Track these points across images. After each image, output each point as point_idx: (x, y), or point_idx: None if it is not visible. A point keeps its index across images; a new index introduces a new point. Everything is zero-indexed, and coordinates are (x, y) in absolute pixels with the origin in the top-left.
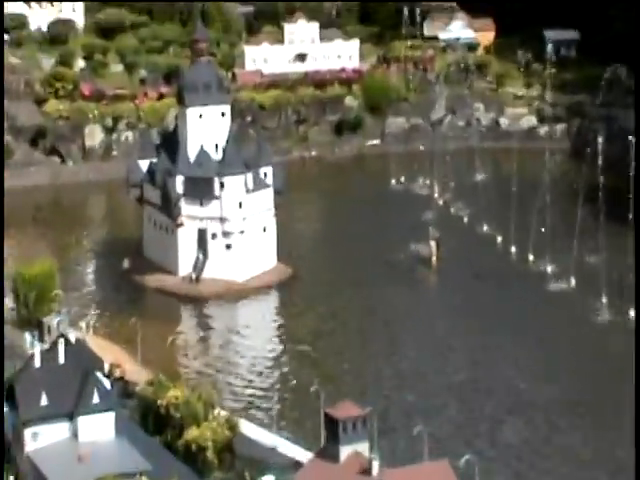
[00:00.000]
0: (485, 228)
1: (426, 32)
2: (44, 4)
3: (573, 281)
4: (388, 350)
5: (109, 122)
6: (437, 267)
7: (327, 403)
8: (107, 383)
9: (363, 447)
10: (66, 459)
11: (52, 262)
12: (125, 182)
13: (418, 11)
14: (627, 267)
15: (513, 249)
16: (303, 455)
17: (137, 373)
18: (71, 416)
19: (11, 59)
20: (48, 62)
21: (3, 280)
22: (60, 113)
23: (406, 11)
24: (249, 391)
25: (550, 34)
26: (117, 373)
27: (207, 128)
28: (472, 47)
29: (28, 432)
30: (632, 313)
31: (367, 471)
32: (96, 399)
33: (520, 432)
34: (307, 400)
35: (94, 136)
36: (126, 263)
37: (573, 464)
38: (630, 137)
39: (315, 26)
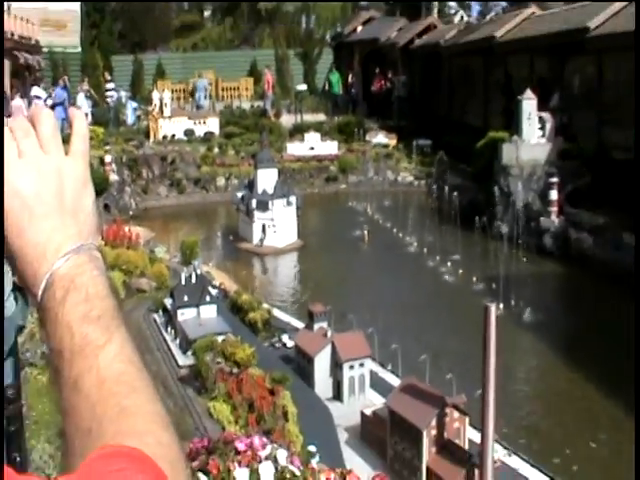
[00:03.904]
0: (388, 225)
1: (367, 138)
2: None
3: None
4: (351, 282)
5: (228, 176)
6: (368, 244)
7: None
8: (214, 292)
9: (325, 325)
10: (193, 324)
11: (196, 239)
12: (231, 202)
13: (365, 129)
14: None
15: (407, 239)
16: (301, 325)
17: (231, 287)
18: (197, 305)
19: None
20: None
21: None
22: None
23: (357, 129)
24: (281, 296)
25: (418, 141)
26: (222, 287)
27: (267, 179)
28: (386, 146)
29: (179, 312)
30: (474, 278)
31: (325, 334)
32: (207, 299)
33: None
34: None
35: (222, 182)
36: (231, 237)
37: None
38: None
39: (318, 135)
